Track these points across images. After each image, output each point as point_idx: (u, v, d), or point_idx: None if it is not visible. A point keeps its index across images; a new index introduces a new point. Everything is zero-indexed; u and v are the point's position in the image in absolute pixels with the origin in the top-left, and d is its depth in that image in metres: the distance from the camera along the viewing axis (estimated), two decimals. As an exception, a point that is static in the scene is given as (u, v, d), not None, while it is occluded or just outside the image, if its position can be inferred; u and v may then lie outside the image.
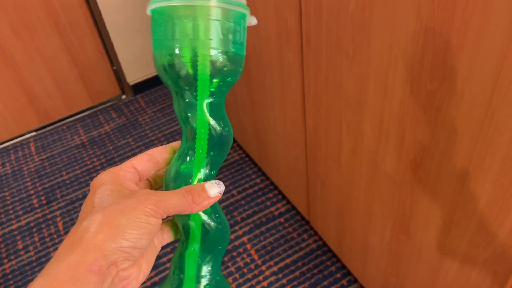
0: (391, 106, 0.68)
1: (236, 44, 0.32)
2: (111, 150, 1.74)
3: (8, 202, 1.59)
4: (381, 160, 0.77)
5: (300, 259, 1.27)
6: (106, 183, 0.32)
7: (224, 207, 1.44)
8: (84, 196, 1.56)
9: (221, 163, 0.36)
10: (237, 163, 1.59)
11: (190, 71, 0.32)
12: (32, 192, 1.61)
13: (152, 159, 0.35)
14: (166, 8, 0.31)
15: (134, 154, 1.69)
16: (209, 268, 0.36)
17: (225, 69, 0.32)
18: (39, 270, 1.34)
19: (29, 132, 1.87)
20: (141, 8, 1.80)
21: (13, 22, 1.61)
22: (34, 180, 1.66)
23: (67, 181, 1.64)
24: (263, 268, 1.26)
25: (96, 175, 0.33)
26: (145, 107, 1.94)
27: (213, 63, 0.32)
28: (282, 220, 1.38)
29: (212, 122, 0.33)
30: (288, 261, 1.27)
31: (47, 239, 1.43)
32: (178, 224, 0.36)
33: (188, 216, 0.34)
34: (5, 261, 1.38)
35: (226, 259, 1.29)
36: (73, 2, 1.69)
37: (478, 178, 0.58)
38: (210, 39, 0.31)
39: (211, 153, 0.34)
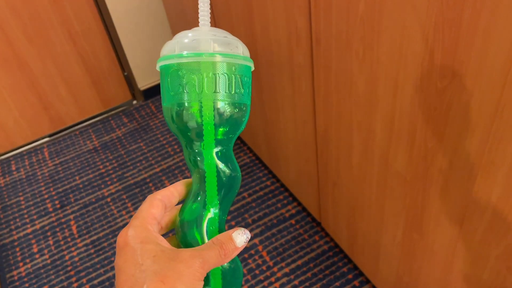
0: (401, 105, 0.69)
1: (240, 95, 0.34)
2: (123, 155, 1.76)
3: (23, 206, 1.61)
4: (392, 159, 0.78)
5: (312, 260, 1.27)
6: (143, 241, 0.32)
7: (235, 209, 1.45)
8: (97, 199, 1.59)
9: (231, 205, 0.37)
10: (247, 166, 1.60)
11: (197, 122, 0.33)
12: (46, 196, 1.64)
13: (163, 205, 0.36)
14: (174, 65, 0.33)
15: (146, 159, 1.71)
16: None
17: (230, 119, 0.34)
18: (55, 273, 1.36)
19: (43, 138, 1.90)
20: (151, 15, 1.83)
21: (27, 30, 1.65)
22: (48, 185, 1.69)
23: (80, 185, 1.66)
24: (275, 269, 1.27)
25: (121, 231, 0.33)
26: (156, 111, 1.96)
27: (218, 114, 0.33)
28: (293, 221, 1.39)
29: (221, 166, 0.35)
30: (299, 262, 1.28)
31: (62, 243, 1.46)
32: None
33: None
34: (21, 264, 1.41)
35: (238, 261, 1.30)
36: (86, 10, 1.73)
37: (490, 174, 0.58)
38: (215, 92, 0.33)
39: (221, 196, 0.36)
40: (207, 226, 0.35)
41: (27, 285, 1.34)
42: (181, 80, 0.33)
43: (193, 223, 0.35)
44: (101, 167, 1.73)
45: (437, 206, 0.72)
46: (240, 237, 0.34)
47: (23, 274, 1.38)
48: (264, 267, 1.28)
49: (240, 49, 0.34)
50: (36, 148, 1.87)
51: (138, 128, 1.88)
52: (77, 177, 1.70)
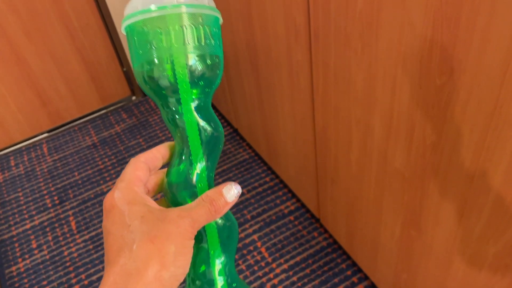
0: (400, 102, 0.68)
1: (211, 46, 0.33)
2: (122, 151, 1.76)
3: (22, 202, 1.61)
4: (391, 156, 0.78)
5: (311, 256, 1.27)
6: (130, 203, 0.31)
7: (234, 206, 1.45)
8: (96, 195, 1.59)
9: (217, 162, 0.37)
10: (246, 162, 1.60)
11: (170, 79, 0.33)
12: (45, 192, 1.64)
13: (147, 167, 0.35)
14: (139, 23, 0.32)
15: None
16: (230, 269, 0.37)
17: (204, 71, 0.33)
18: (53, 269, 1.36)
19: (42, 134, 1.90)
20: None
21: (26, 26, 1.64)
22: (47, 181, 1.68)
23: (79, 181, 1.66)
24: (274, 265, 1.27)
25: (107, 194, 0.32)
26: (155, 107, 1.96)
27: (191, 66, 0.32)
28: (292, 218, 1.39)
29: (202, 123, 0.34)
30: (298, 258, 1.28)
31: (61, 238, 1.46)
32: None
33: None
34: (20, 260, 1.41)
35: (237, 256, 1.30)
36: (84, 6, 1.72)
37: (488, 171, 0.58)
38: (185, 45, 0.32)
39: (206, 153, 0.35)
40: (196, 184, 0.34)
41: (26, 280, 1.34)
42: (148, 36, 0.32)
43: (181, 183, 0.34)
44: (100, 163, 1.73)
45: (436, 203, 0.72)
46: (231, 191, 0.33)
47: (22, 270, 1.38)
48: (262, 263, 1.28)
49: (205, 0, 0.34)
50: (35, 144, 1.86)
51: (137, 124, 1.88)
52: (76, 173, 1.70)
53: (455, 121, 0.59)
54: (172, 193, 0.35)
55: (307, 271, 1.24)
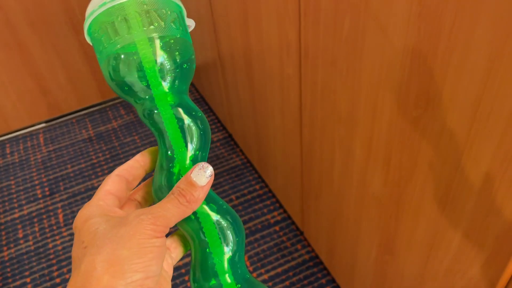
0: (379, 127, 0.68)
1: (172, 28, 0.32)
2: (117, 147, 1.77)
3: (13, 190, 1.63)
4: (369, 180, 0.77)
5: (292, 269, 1.27)
6: (90, 218, 0.29)
7: (221, 211, 1.45)
8: (87, 189, 1.60)
9: (207, 152, 0.34)
10: (238, 168, 1.60)
11: (138, 65, 0.31)
12: (37, 182, 1.65)
13: (122, 180, 0.33)
14: (96, 19, 0.32)
15: (139, 152, 1.72)
16: (241, 265, 0.33)
17: (169, 54, 0.32)
18: (36, 260, 1.37)
19: (39, 123, 1.92)
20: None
21: (30, 16, 1.66)
22: (40, 171, 1.70)
23: (71, 174, 1.67)
24: (254, 275, 1.27)
25: (79, 210, 0.30)
26: (153, 106, 1.96)
27: (155, 49, 0.31)
28: (277, 228, 1.39)
29: (179, 111, 0.32)
30: (279, 270, 1.28)
31: (47, 230, 1.47)
32: (185, 233, 0.33)
33: (194, 221, 0.32)
34: (5, 248, 1.42)
35: (218, 263, 1.31)
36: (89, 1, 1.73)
37: (457, 206, 0.58)
38: (145, 29, 0.31)
39: (193, 146, 0.33)
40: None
41: (8, 269, 1.35)
42: (105, 31, 0.31)
43: (164, 185, 0.32)
44: (93, 157, 1.74)
45: (408, 232, 0.72)
46: (201, 175, 0.30)
47: (6, 258, 1.39)
48: (243, 272, 1.28)
49: None
50: (32, 133, 1.88)
51: (134, 121, 1.89)
52: (69, 166, 1.71)
53: (429, 153, 0.59)
54: (158, 198, 0.33)
55: (287, 283, 1.24)
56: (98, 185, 1.61)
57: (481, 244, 0.57)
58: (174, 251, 0.34)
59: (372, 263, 0.90)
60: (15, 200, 1.59)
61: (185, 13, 0.35)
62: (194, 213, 0.32)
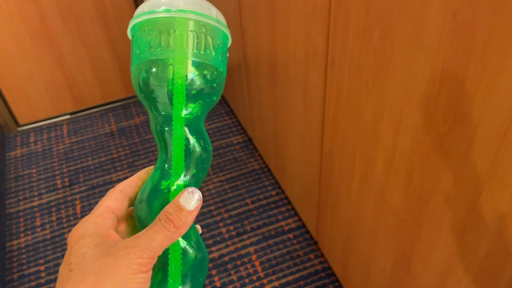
0: (402, 142, 0.67)
1: (211, 57, 0.32)
2: (137, 143, 1.79)
3: (34, 179, 1.66)
4: (389, 194, 0.76)
5: (303, 278, 1.26)
6: (84, 237, 0.29)
7: (236, 215, 1.45)
8: (105, 183, 1.62)
9: (200, 184, 0.34)
10: (255, 172, 1.60)
11: (168, 80, 0.31)
12: (57, 172, 1.68)
13: (125, 197, 0.33)
14: (143, 23, 0.32)
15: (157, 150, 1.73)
16: None
17: (201, 81, 0.32)
18: (52, 249, 1.39)
19: (64, 115, 1.95)
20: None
21: (62, 9, 1.69)
22: (61, 162, 1.73)
23: (91, 167, 1.69)
24: (265, 281, 1.26)
25: (76, 224, 0.30)
26: (176, 105, 1.98)
27: (189, 72, 0.32)
28: (291, 236, 1.37)
29: (190, 137, 0.33)
30: (290, 278, 1.26)
31: (64, 220, 1.49)
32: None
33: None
34: (22, 235, 1.45)
35: (229, 266, 1.30)
36: (121, -3, 1.76)
37: (479, 230, 0.56)
38: (186, 49, 0.31)
39: (190, 172, 0.33)
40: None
41: (24, 256, 1.38)
42: (149, 37, 0.31)
43: (158, 202, 0.32)
44: (114, 151, 1.76)
45: (427, 249, 0.70)
46: (190, 199, 0.30)
47: (23, 245, 1.41)
48: (254, 277, 1.27)
49: (214, 13, 0.33)
50: (56, 124, 1.91)
51: (156, 119, 1.91)
52: (89, 158, 1.74)
53: (453, 171, 0.57)
54: (142, 210, 0.32)
55: (297, 292, 1.23)
56: (117, 180, 1.64)
57: (501, 269, 0.55)
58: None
59: (386, 279, 0.88)
60: (35, 189, 1.62)
61: (230, 41, 0.35)
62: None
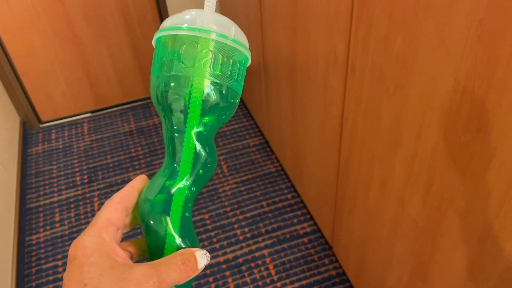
0: (423, 150, 0.66)
1: (231, 81, 0.33)
2: (156, 142, 1.81)
3: (54, 175, 1.69)
4: (407, 202, 0.75)
5: (317, 283, 1.25)
6: (93, 255, 0.29)
7: (251, 217, 1.45)
8: (123, 181, 1.64)
9: (196, 195, 0.36)
10: (271, 175, 1.60)
11: (185, 95, 0.33)
12: (77, 169, 1.71)
13: (124, 208, 0.33)
14: (170, 36, 0.33)
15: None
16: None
17: (218, 101, 0.33)
18: (69, 245, 1.41)
19: (85, 113, 1.99)
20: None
21: (87, 10, 1.73)
22: (81, 159, 1.76)
23: (110, 165, 1.72)
24: (278, 284, 1.26)
25: (74, 240, 0.30)
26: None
27: (206, 91, 0.33)
28: (305, 240, 1.37)
29: (198, 147, 0.34)
30: (304, 282, 1.26)
31: (82, 216, 1.51)
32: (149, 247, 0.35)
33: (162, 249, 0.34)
34: (41, 230, 1.48)
35: (243, 268, 1.31)
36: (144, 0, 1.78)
37: (502, 237, 0.55)
38: (207, 69, 0.32)
39: (193, 181, 0.34)
40: (174, 212, 0.33)
41: (42, 251, 1.41)
42: (170, 52, 0.33)
43: (157, 207, 0.33)
44: (133, 150, 1.78)
45: (445, 258, 0.69)
46: (203, 259, 0.32)
47: (41, 240, 1.44)
48: (267, 280, 1.27)
49: (236, 33, 0.34)
50: (77, 122, 1.95)
51: (175, 119, 1.92)
52: (108, 156, 1.76)
53: (475, 180, 0.57)
54: (145, 215, 0.34)
55: (311, 296, 1.22)
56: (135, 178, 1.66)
57: (523, 282, 0.54)
58: None
59: (402, 287, 0.87)
60: (55, 185, 1.65)
61: (249, 62, 0.36)
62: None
